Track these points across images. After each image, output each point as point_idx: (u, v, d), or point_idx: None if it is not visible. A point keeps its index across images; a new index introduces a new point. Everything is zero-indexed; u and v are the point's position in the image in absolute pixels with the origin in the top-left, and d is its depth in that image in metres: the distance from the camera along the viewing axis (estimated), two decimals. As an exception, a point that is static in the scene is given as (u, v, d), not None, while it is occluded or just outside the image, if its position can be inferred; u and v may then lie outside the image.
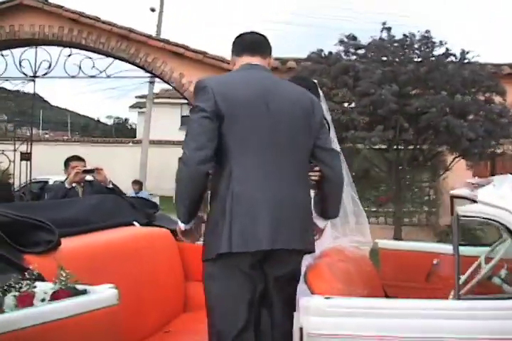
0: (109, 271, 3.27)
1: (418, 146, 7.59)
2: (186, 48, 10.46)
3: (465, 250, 4.15)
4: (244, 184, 2.61)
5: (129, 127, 36.24)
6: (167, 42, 10.45)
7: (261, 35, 3.05)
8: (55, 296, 2.68)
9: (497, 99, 7.50)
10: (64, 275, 2.73)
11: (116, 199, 4.62)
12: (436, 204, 11.72)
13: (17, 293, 2.71)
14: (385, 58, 7.31)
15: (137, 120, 32.84)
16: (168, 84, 10.88)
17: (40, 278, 2.88)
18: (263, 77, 2.85)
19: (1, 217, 3.24)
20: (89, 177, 5.60)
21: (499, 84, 7.31)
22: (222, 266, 2.64)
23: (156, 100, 22.33)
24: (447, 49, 7.32)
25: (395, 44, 7.30)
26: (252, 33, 3.07)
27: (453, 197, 4.32)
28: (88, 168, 5.52)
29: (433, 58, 7.19)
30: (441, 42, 7.21)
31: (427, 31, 7.26)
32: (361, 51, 7.59)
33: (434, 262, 4.22)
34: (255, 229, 2.56)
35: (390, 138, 6.87)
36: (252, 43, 2.99)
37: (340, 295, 2.68)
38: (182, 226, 2.82)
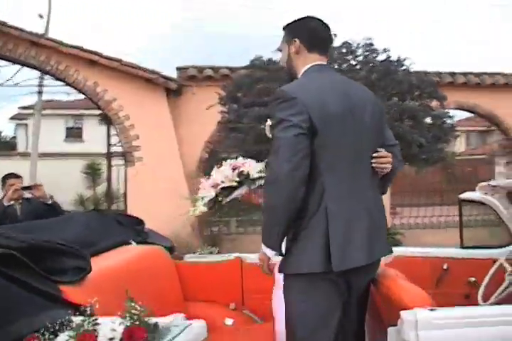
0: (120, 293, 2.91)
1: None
2: (100, 55, 9.90)
3: (476, 253, 4.18)
4: (336, 200, 2.51)
5: (2, 139, 34.33)
6: (81, 49, 9.82)
7: (328, 26, 2.84)
8: (129, 334, 2.26)
9: (434, 104, 7.70)
10: (136, 307, 2.33)
11: (101, 217, 4.21)
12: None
13: (73, 333, 2.28)
14: (335, 64, 7.24)
15: (15, 132, 31.46)
16: (82, 93, 10.23)
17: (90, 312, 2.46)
18: (339, 81, 2.75)
19: (23, 243, 2.75)
20: (27, 195, 5.60)
21: (439, 91, 7.51)
22: (311, 280, 2.52)
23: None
24: (388, 56, 7.38)
25: (341, 50, 7.25)
26: (324, 24, 2.80)
27: (461, 201, 4.34)
28: (26, 184, 5.70)
29: (376, 64, 7.20)
30: (384, 49, 7.27)
31: (369, 38, 7.32)
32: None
33: (444, 267, 4.20)
34: (353, 245, 2.49)
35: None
36: (324, 40, 2.84)
37: (430, 305, 2.53)
38: (272, 255, 2.60)
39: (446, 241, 7.50)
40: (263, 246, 2.60)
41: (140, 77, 10.01)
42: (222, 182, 3.31)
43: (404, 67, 7.20)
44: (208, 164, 10.83)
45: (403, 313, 2.40)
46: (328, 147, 2.52)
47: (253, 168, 3.31)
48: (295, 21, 2.81)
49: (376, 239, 2.60)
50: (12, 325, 2.36)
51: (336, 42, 7.32)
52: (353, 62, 7.09)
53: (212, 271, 4.24)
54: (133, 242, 3.97)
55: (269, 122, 3.03)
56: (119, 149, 10.81)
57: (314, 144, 2.48)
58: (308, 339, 2.57)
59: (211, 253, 4.34)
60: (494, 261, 3.97)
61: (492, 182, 3.82)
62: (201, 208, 3.34)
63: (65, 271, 2.82)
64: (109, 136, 11.36)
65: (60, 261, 2.85)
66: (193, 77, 10.64)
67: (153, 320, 2.32)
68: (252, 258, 4.19)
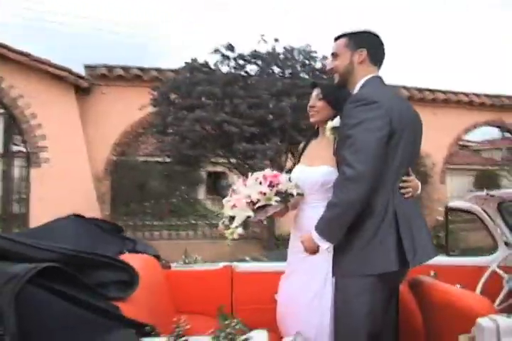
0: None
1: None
2: (8, 49, 9.14)
3: (463, 260, 4.30)
4: (401, 202, 2.69)
5: None
6: (-15, 41, 9.01)
7: None
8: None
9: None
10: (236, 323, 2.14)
11: (85, 224, 3.84)
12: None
13: None
14: (276, 70, 7.20)
15: None
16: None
17: (154, 331, 2.23)
18: (399, 95, 2.92)
19: (61, 255, 2.42)
20: None
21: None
22: (375, 280, 2.65)
23: None
24: (324, 64, 7.45)
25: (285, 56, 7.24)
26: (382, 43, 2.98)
27: (448, 210, 4.45)
28: None
29: (317, 72, 7.26)
30: (324, 56, 7.33)
31: (308, 45, 7.37)
32: (241, 61, 7.37)
33: (431, 274, 4.30)
34: (420, 242, 2.67)
35: (283, 150, 6.79)
36: (384, 58, 2.98)
37: (495, 312, 2.55)
38: (325, 246, 2.72)
39: None
40: (317, 236, 2.71)
41: (49, 74, 9.37)
42: (258, 200, 3.12)
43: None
44: (115, 167, 10.40)
45: (481, 320, 2.38)
46: (396, 151, 2.66)
47: (286, 183, 3.17)
48: (363, 32, 2.93)
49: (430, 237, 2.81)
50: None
51: (277, 48, 7.31)
52: (298, 69, 7.07)
53: (201, 280, 4.02)
54: (125, 251, 3.64)
55: (332, 123, 2.94)
56: (22, 149, 10.05)
57: (388, 147, 2.62)
58: (370, 336, 2.67)
59: (195, 262, 4.11)
60: (480, 268, 4.09)
61: (486, 192, 3.95)
62: (239, 231, 3.13)
63: (107, 286, 2.52)
64: (9, 134, 10.45)
65: (102, 275, 2.53)
66: (103, 76, 10.15)
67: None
68: (243, 266, 4.03)
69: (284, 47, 7.37)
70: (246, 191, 3.19)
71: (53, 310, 2.13)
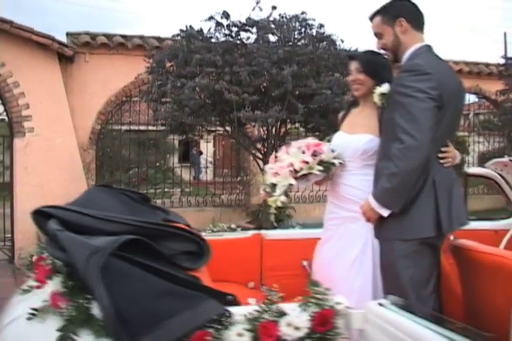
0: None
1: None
2: (-14, 14, 8.77)
3: (481, 225, 4.40)
4: (439, 171, 2.77)
5: None
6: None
7: None
8: (321, 319, 2.10)
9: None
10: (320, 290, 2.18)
11: (118, 193, 3.76)
12: (248, 184, 11.94)
13: (249, 325, 2.08)
14: (273, 38, 7.13)
15: None
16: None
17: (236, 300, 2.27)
18: (447, 63, 2.99)
19: (132, 227, 2.43)
20: None
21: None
22: (417, 245, 2.76)
23: None
24: (321, 32, 7.40)
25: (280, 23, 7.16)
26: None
27: (468, 175, 4.55)
28: None
29: (316, 39, 7.22)
30: (321, 25, 7.29)
31: (303, 12, 7.30)
32: (235, 29, 7.27)
33: (451, 238, 4.39)
34: (456, 209, 2.78)
35: (283, 118, 6.78)
36: (424, 19, 2.98)
37: None
38: (386, 214, 2.76)
39: None
40: (377, 205, 2.76)
41: (32, 42, 9.06)
42: (301, 168, 3.14)
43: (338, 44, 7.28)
44: (99, 136, 10.25)
45: None
46: (441, 122, 2.72)
47: (328, 152, 3.19)
48: (391, 3, 2.94)
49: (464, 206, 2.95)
50: (174, 320, 2.08)
51: (274, 15, 7.23)
52: (297, 36, 7.02)
53: (231, 248, 4.04)
54: (161, 221, 3.62)
55: (380, 90, 2.95)
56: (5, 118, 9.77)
57: (434, 119, 2.67)
58: (418, 299, 2.75)
59: (225, 230, 4.12)
60: (497, 231, 4.20)
61: (509, 158, 4.05)
62: (282, 198, 3.15)
63: (177, 257, 2.53)
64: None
65: (171, 246, 2.54)
66: (86, 44, 9.90)
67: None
68: (272, 234, 4.07)
69: (280, 15, 7.27)
70: (288, 159, 3.21)
71: (138, 281, 2.15)
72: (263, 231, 4.08)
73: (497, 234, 4.17)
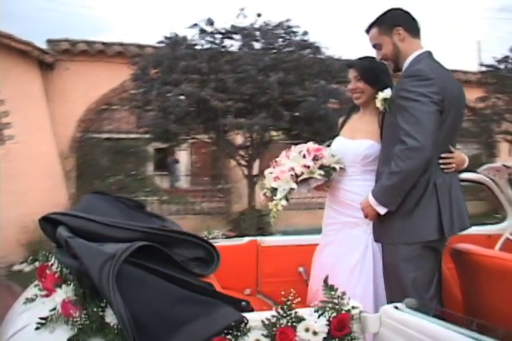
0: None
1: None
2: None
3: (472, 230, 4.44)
4: (440, 174, 2.81)
5: None
6: None
7: None
8: (339, 324, 2.11)
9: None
10: (335, 294, 2.18)
11: (109, 200, 3.72)
12: (229, 192, 11.93)
13: (267, 330, 2.08)
14: (258, 45, 7.14)
15: None
16: None
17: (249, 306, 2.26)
18: (447, 69, 2.97)
19: (141, 234, 2.41)
20: None
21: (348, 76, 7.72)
22: (419, 248, 2.78)
23: None
24: (304, 40, 7.45)
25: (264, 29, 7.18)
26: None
27: (460, 181, 4.58)
28: None
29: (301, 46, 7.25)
30: (305, 32, 7.32)
31: (288, 19, 7.33)
32: (220, 36, 7.27)
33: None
34: (457, 213, 2.82)
35: (269, 124, 6.79)
36: (418, 25, 3.03)
37: None
38: (383, 212, 2.80)
39: (319, 222, 7.76)
40: (375, 203, 2.80)
41: (12, 49, 8.96)
42: (302, 173, 3.15)
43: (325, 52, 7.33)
44: (79, 144, 10.17)
45: None
46: (443, 126, 2.75)
47: (329, 157, 3.19)
48: (386, 13, 2.98)
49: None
50: (191, 327, 2.06)
51: (259, 22, 7.25)
52: (282, 43, 7.04)
53: (227, 255, 4.00)
54: (159, 229, 3.58)
55: (383, 95, 2.97)
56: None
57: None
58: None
59: (218, 237, 4.11)
60: (490, 236, 4.25)
61: (502, 163, 4.10)
62: (283, 202, 3.14)
63: (187, 263, 2.51)
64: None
65: (180, 252, 2.52)
66: (66, 51, 9.83)
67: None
68: (268, 240, 4.07)
69: (264, 22, 7.29)
70: (289, 163, 3.20)
71: (154, 288, 2.13)
72: (259, 238, 4.08)
73: (490, 238, 4.22)
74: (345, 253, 3.23)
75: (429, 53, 2.94)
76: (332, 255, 3.32)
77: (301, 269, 3.91)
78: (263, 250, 4.03)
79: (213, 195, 12.68)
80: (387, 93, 3.00)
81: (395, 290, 2.87)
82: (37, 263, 2.59)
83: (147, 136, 8.13)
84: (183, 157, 14.52)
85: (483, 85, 11.81)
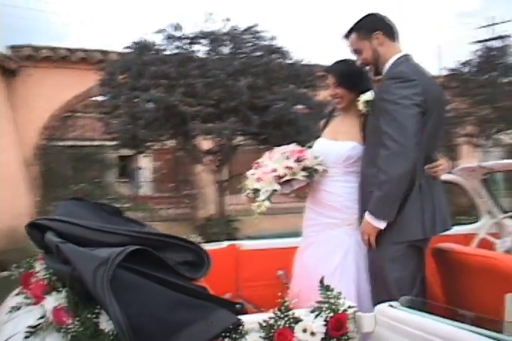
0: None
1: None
2: None
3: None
4: (423, 176, 2.81)
5: None
6: None
7: None
8: (337, 323, 2.12)
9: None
10: (331, 294, 2.19)
11: (87, 206, 3.65)
12: (195, 198, 11.86)
13: (264, 332, 2.08)
14: (226, 50, 7.13)
15: None
16: None
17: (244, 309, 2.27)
18: (424, 70, 2.98)
19: (129, 238, 2.38)
20: None
21: (316, 81, 7.81)
22: (408, 247, 2.82)
23: None
24: (272, 44, 7.48)
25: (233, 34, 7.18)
26: None
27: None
28: None
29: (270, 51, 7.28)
30: (273, 37, 7.35)
31: (255, 24, 7.36)
32: (188, 41, 7.24)
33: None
34: (439, 216, 2.84)
35: (238, 129, 6.79)
36: (395, 28, 3.03)
37: None
38: (383, 226, 2.78)
39: (284, 227, 7.73)
40: (372, 219, 2.79)
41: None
42: (285, 174, 3.15)
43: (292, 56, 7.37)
44: (43, 151, 10.00)
45: None
46: (425, 127, 2.77)
47: (312, 159, 3.21)
48: (364, 19, 3.03)
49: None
50: (189, 331, 2.04)
51: (227, 27, 7.25)
52: (250, 48, 7.05)
53: (207, 260, 3.98)
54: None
55: (365, 97, 3.00)
56: None
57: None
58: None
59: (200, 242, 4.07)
60: (466, 236, 4.32)
61: (477, 164, 4.19)
62: (266, 204, 3.13)
63: (179, 267, 2.48)
64: None
65: (170, 256, 2.48)
66: (29, 57, 9.66)
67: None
68: (247, 244, 4.06)
69: (233, 27, 7.30)
70: (272, 165, 3.21)
71: (148, 292, 2.10)
72: (238, 242, 4.06)
73: (466, 238, 4.29)
74: (327, 254, 3.24)
75: (408, 56, 2.97)
76: (313, 256, 3.32)
77: (280, 272, 3.90)
78: (242, 254, 4.02)
79: (179, 201, 12.60)
80: (369, 95, 3.03)
81: (380, 290, 2.89)
82: (16, 272, 2.53)
83: (113, 142, 8.03)
84: (147, 163, 14.36)
85: (445, 89, 12.04)
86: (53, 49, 10.02)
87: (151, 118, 6.70)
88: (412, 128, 2.65)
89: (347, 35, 3.07)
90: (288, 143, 3.40)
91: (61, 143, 10.97)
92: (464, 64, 11.69)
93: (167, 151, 13.50)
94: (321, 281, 2.24)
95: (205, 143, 8.81)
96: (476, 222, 4.46)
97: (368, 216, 2.82)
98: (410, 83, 2.72)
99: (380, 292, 2.87)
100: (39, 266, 2.47)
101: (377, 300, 2.71)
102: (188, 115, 6.59)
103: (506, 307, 2.57)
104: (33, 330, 2.14)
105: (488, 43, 12.40)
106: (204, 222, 11.32)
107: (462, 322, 1.94)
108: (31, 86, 9.75)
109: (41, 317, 2.19)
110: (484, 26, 13.83)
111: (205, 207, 11.52)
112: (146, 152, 10.08)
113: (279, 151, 3.27)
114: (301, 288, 3.30)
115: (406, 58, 2.95)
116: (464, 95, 11.43)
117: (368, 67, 3.12)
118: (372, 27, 2.96)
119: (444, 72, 12.29)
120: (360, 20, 3.03)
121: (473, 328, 1.85)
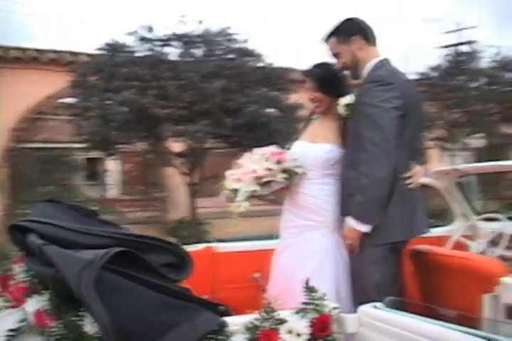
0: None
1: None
2: None
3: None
4: (403, 180, 2.83)
5: None
6: None
7: None
8: (321, 324, 2.13)
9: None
10: (315, 296, 2.21)
11: (61, 207, 3.60)
12: (164, 200, 11.80)
13: (250, 334, 2.09)
14: (198, 52, 7.11)
15: None
16: None
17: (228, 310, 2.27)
18: (402, 74, 3.05)
19: (112, 240, 2.37)
20: None
21: (287, 84, 7.85)
22: (389, 249, 2.85)
23: None
24: (244, 47, 7.48)
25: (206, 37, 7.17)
26: None
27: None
28: None
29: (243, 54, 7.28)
30: (245, 39, 7.36)
31: (228, 27, 7.36)
32: (159, 43, 7.20)
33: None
34: (418, 219, 2.90)
35: (211, 132, 6.78)
36: (374, 32, 3.08)
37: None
38: (368, 230, 2.81)
39: (256, 229, 7.73)
40: (356, 223, 2.81)
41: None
42: (265, 175, 3.16)
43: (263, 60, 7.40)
44: (12, 153, 9.84)
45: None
46: (405, 130, 2.80)
47: (291, 161, 3.22)
48: (343, 23, 3.06)
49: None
50: (174, 333, 2.04)
51: (199, 29, 7.23)
52: (222, 51, 7.05)
53: (183, 261, 3.96)
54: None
55: (344, 100, 3.04)
56: None
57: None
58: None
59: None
60: (439, 238, 4.38)
61: (452, 167, 4.25)
62: (245, 204, 3.13)
63: (161, 269, 2.46)
64: None
65: (152, 258, 2.47)
66: (-3, 58, 9.51)
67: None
68: (223, 247, 4.05)
69: (205, 29, 7.29)
70: (252, 166, 3.21)
71: (133, 294, 2.09)
72: (214, 244, 4.05)
73: (440, 240, 4.34)
74: (305, 256, 3.24)
75: (387, 60, 3.01)
76: (291, 258, 3.32)
77: (256, 275, 3.90)
78: (218, 256, 4.00)
79: (148, 204, 12.51)
80: (348, 98, 3.06)
81: (360, 291, 2.92)
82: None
83: (82, 145, 7.93)
84: (115, 166, 14.22)
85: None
86: (23, 50, 9.88)
87: (123, 121, 6.64)
88: (392, 131, 2.69)
89: (326, 39, 3.09)
90: (262, 146, 3.40)
91: (30, 145, 10.80)
92: (433, 68, 11.86)
93: (137, 154, 13.41)
94: (306, 282, 2.25)
95: (177, 146, 8.76)
96: (447, 224, 4.52)
97: (351, 221, 2.84)
98: (390, 86, 2.76)
99: (360, 294, 2.89)
100: (18, 269, 2.43)
101: (357, 302, 2.73)
102: (161, 117, 6.55)
103: (483, 307, 2.62)
104: (14, 334, 2.09)
105: (457, 48, 12.60)
106: (174, 225, 11.25)
107: (445, 321, 1.97)
108: (1, 87, 9.59)
109: (22, 321, 2.15)
110: (451, 31, 14.08)
111: (174, 210, 11.46)
112: (115, 154, 10.01)
113: (259, 152, 3.27)
114: (280, 291, 3.30)
115: (385, 62, 2.99)
116: (433, 99, 11.60)
117: (346, 71, 3.15)
118: (351, 31, 3.00)
119: (412, 77, 12.46)
120: (340, 24, 3.05)
121: (458, 327, 1.88)
